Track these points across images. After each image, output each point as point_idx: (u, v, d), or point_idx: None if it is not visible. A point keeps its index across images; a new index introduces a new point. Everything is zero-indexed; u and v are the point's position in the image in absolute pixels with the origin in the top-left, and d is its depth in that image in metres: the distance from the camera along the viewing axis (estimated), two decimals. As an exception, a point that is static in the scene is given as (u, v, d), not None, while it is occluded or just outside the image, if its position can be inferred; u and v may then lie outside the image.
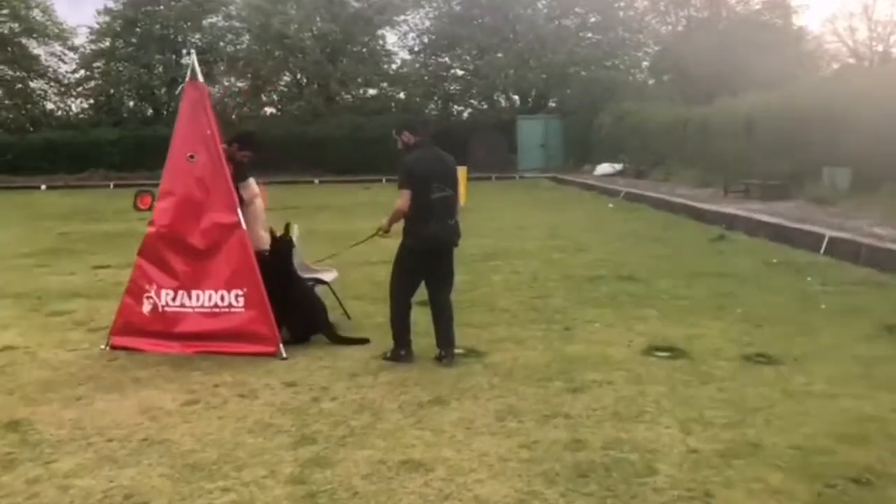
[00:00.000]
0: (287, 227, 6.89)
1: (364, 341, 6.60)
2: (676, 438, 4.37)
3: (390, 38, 50.21)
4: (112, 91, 48.95)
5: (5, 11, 48.82)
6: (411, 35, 50.63)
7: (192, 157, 6.42)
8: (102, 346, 6.52)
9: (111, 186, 35.20)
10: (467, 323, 7.17)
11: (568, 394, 5.18)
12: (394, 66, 49.66)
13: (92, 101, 49.88)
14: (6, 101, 51.39)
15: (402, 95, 49.70)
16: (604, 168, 31.43)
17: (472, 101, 50.11)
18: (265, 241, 6.80)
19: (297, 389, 5.37)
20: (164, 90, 49.98)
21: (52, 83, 51.68)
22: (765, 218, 13.50)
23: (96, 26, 49.60)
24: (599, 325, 7.11)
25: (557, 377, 5.54)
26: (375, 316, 7.61)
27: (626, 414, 4.77)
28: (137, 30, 49.00)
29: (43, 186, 35.21)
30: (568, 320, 7.33)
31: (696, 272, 9.57)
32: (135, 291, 6.52)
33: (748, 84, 25.02)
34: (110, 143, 42.98)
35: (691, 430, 4.47)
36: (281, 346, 6.18)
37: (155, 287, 6.44)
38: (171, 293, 6.41)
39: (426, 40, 49.70)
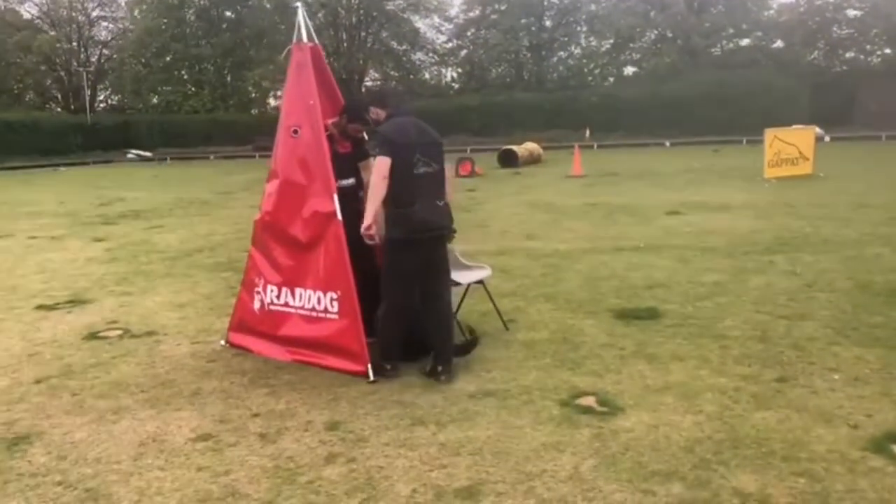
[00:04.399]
0: None
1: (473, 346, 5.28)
2: None
3: (769, -20, 44.77)
4: (480, 58, 51.22)
5: (394, -10, 53.64)
6: (795, -26, 44.56)
7: (295, 132, 5.41)
8: (222, 343, 5.96)
9: (468, 151, 36.54)
10: (649, 355, 5.24)
11: (671, 517, 3.19)
12: (768, 13, 44.25)
13: (459, 69, 52.93)
14: (393, 73, 56.88)
15: (778, 44, 44.12)
16: None
17: (866, 45, 42.62)
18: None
19: (327, 436, 4.14)
20: (528, 55, 50.91)
21: (429, 54, 55.89)
22: None
23: (469, -4, 52.21)
24: (840, 378, 4.65)
25: (688, 474, 3.51)
26: (537, 327, 6.01)
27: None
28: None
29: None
30: (798, 363, 4.96)
31: None
32: (248, 285, 5.80)
33: None
34: (471, 109, 44.97)
35: None
36: (370, 366, 4.98)
37: (262, 282, 5.64)
38: (276, 290, 5.55)
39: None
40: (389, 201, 4.73)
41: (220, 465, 3.87)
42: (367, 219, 4.76)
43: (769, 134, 17.86)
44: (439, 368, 4.91)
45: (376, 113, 5.00)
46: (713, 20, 44.04)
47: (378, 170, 4.69)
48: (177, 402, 4.77)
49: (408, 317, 4.96)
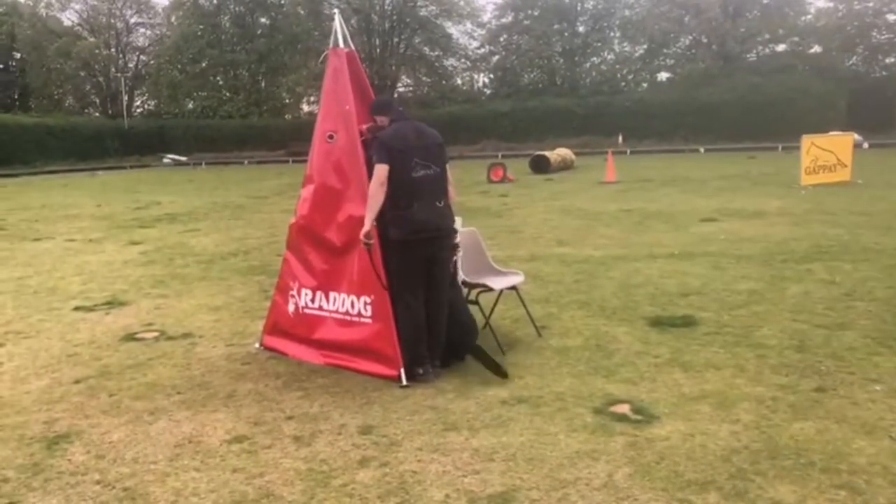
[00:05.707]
0: None
1: (502, 375, 5.06)
2: None
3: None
4: (512, 63, 51.18)
5: (427, -5, 53.77)
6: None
7: (331, 137, 5.45)
8: (256, 346, 6.01)
9: (499, 157, 36.53)
10: (684, 363, 5.19)
11: (707, 526, 3.15)
12: (805, 18, 43.64)
13: (491, 75, 52.93)
14: (425, 79, 57.05)
15: (815, 49, 43.50)
16: None
17: (908, 50, 41.81)
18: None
19: (360, 440, 4.15)
20: (561, 60, 50.77)
21: (461, 59, 55.97)
22: None
23: (500, 1, 52.17)
24: (882, 390, 4.56)
25: (725, 484, 3.46)
26: (570, 334, 5.98)
27: None
28: (539, 1, 50.27)
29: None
30: (837, 373, 4.87)
31: None
32: (283, 289, 5.85)
33: None
34: (503, 115, 44.94)
35: None
36: (402, 370, 4.99)
37: (297, 285, 5.68)
38: (310, 293, 5.60)
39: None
40: (389, 204, 4.89)
41: (254, 466, 3.90)
42: (366, 225, 4.89)
43: (806, 140, 17.60)
44: (436, 362, 5.15)
45: (381, 120, 5.22)
46: (749, 25, 43.58)
47: (376, 177, 4.85)
48: (212, 404, 4.82)
49: (421, 314, 5.08)
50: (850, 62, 42.43)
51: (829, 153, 17.71)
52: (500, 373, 5.05)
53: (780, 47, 44.57)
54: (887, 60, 42.64)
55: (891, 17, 41.47)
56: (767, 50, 44.65)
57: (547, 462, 3.79)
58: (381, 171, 4.85)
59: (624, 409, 4.44)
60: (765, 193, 16.20)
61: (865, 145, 29.92)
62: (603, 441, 4.00)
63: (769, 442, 3.90)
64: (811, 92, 37.22)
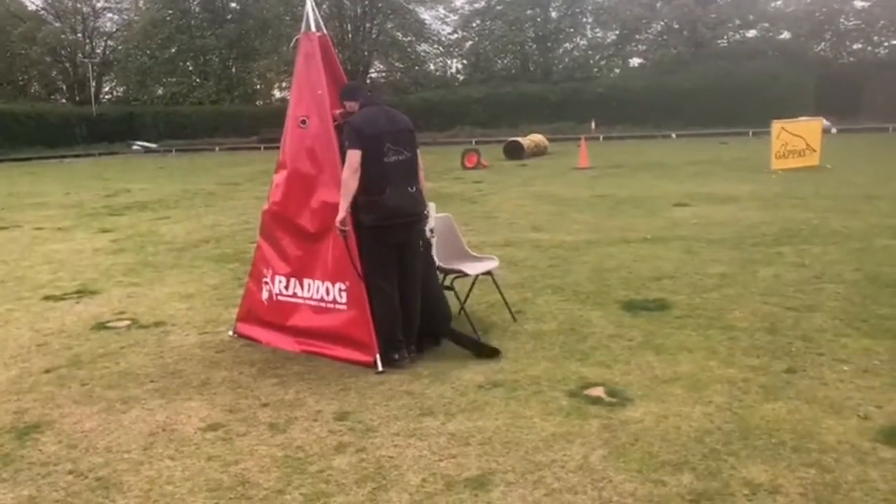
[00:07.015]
0: None
1: (494, 353, 5.11)
2: None
3: (773, -30, 44.38)
4: (485, 49, 51.05)
5: (399, -20, 53.33)
6: (801, -36, 44.24)
7: (303, 122, 5.40)
8: (230, 333, 5.97)
9: (473, 142, 36.49)
10: (657, 346, 5.25)
11: (682, 507, 3.19)
12: (776, 4, 44.03)
13: (465, 61, 52.77)
14: (398, 64, 56.75)
15: (785, 35, 43.90)
16: None
17: (874, 36, 42.37)
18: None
19: (336, 426, 4.15)
20: (534, 46, 50.74)
21: (434, 45, 55.74)
22: None
23: (473, -13, 51.95)
24: (850, 370, 4.65)
25: (698, 465, 3.51)
26: (544, 318, 6.01)
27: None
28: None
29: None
30: (807, 354, 4.95)
31: None
32: (256, 276, 5.81)
33: None
34: (477, 101, 44.87)
35: None
36: (378, 357, 4.98)
37: (271, 272, 5.65)
38: (284, 280, 5.56)
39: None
40: (361, 190, 4.84)
41: (230, 454, 3.88)
42: (341, 212, 4.85)
43: (776, 125, 17.81)
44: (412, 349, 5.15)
45: (350, 106, 5.15)
46: (719, 11, 43.91)
47: (349, 163, 4.80)
48: (186, 392, 4.79)
49: (396, 300, 5.06)
50: (819, 48, 42.90)
51: (798, 138, 17.93)
52: (490, 351, 5.09)
53: (751, 33, 44.99)
54: (854, 47, 43.20)
55: (858, 4, 42.05)
56: (738, 36, 45.02)
57: (522, 445, 3.81)
58: (354, 156, 4.81)
59: (598, 391, 4.48)
60: (736, 178, 16.37)
61: (834, 130, 30.34)
62: (578, 424, 4.03)
63: (741, 423, 3.95)
64: (781, 78, 37.61)
